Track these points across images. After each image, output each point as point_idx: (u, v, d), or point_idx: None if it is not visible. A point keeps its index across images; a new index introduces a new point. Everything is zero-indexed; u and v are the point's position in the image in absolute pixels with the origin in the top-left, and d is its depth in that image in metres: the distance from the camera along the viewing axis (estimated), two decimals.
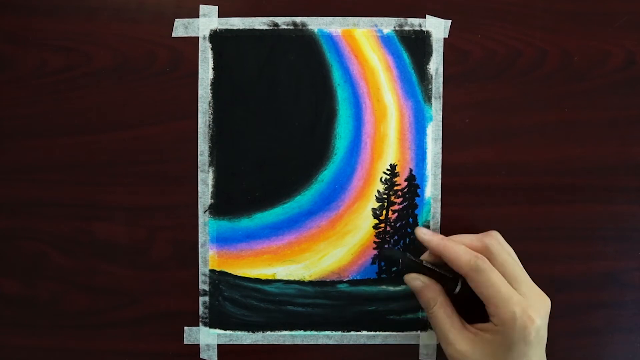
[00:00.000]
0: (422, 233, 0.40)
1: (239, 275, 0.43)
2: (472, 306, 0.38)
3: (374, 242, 0.43)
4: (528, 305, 0.35)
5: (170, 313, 0.43)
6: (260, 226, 0.43)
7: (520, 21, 0.42)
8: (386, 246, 0.42)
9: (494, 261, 0.37)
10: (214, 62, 0.42)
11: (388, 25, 0.42)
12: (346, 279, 0.43)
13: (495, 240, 0.38)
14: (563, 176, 0.43)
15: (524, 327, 0.34)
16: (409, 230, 0.43)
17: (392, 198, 0.43)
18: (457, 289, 0.38)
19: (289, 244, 0.43)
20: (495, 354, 0.35)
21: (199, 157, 0.42)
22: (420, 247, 0.42)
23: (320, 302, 0.43)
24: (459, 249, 0.37)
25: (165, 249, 0.43)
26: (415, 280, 0.39)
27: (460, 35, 0.42)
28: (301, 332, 0.43)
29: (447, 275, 0.39)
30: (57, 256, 0.43)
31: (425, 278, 0.39)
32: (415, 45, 0.42)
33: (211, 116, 0.42)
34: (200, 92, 0.42)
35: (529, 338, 0.34)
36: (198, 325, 0.43)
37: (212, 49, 0.42)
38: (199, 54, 0.42)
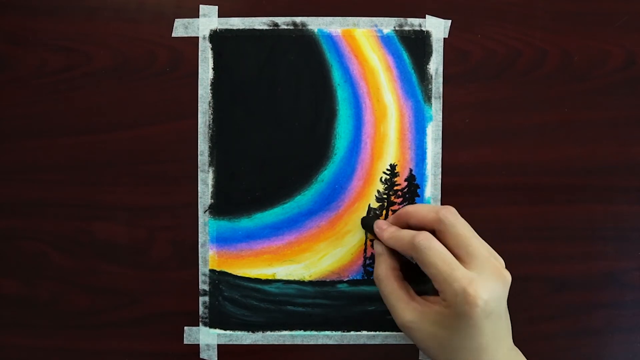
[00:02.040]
0: (377, 228, 0.40)
1: (239, 275, 0.43)
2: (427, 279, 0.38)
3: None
4: (472, 280, 0.34)
5: (170, 313, 0.43)
6: (260, 226, 0.43)
7: (520, 21, 0.42)
8: (370, 214, 0.42)
9: (446, 234, 0.36)
10: (214, 62, 0.42)
11: (388, 25, 0.42)
12: (346, 279, 0.43)
13: (449, 212, 0.37)
14: (563, 176, 0.43)
15: (466, 303, 0.34)
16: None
17: (392, 198, 0.43)
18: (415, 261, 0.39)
19: (289, 244, 0.43)
20: (443, 322, 0.35)
21: (199, 157, 0.42)
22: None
23: (320, 302, 0.43)
24: (402, 233, 0.38)
25: (165, 249, 0.43)
26: (378, 246, 0.40)
27: (460, 35, 0.42)
28: (301, 332, 0.43)
29: None
30: (57, 256, 0.43)
31: (386, 249, 0.39)
32: (415, 45, 0.42)
33: (211, 116, 0.42)
34: (200, 92, 0.42)
35: (473, 314, 0.34)
36: (198, 325, 0.43)
37: (212, 49, 0.42)
38: (199, 54, 0.42)
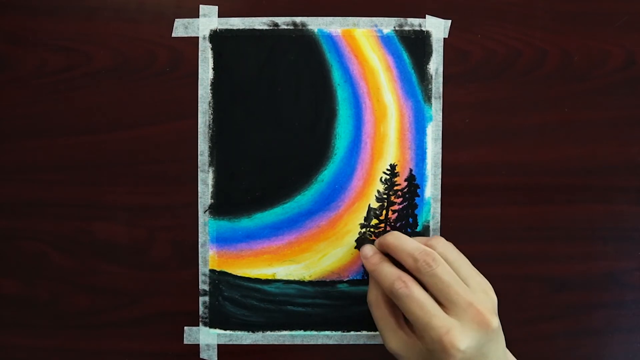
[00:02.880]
0: (362, 253, 0.40)
1: (239, 275, 0.43)
2: None
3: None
4: (449, 329, 0.34)
5: (170, 313, 0.43)
6: (260, 226, 0.43)
7: (520, 21, 0.42)
8: (365, 235, 0.42)
9: (426, 280, 0.36)
10: (214, 62, 0.42)
11: (388, 25, 0.42)
12: (346, 279, 0.43)
13: (427, 259, 0.36)
14: (563, 176, 0.43)
15: (442, 351, 0.34)
16: (409, 230, 0.43)
17: (392, 198, 0.43)
18: None
19: (289, 244, 0.43)
20: (427, 358, 0.35)
21: (199, 157, 0.42)
22: None
23: (320, 302, 0.43)
24: (384, 271, 0.37)
25: (165, 249, 0.43)
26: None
27: (460, 35, 0.42)
28: (301, 332, 0.43)
29: None
30: (57, 256, 0.43)
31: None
32: (415, 45, 0.42)
33: (211, 116, 0.42)
34: (200, 92, 0.42)
35: (451, 359, 0.34)
36: (198, 325, 0.43)
37: (212, 49, 0.42)
38: (199, 54, 0.42)
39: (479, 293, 0.36)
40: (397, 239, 0.38)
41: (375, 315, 0.39)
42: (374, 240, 0.41)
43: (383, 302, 0.38)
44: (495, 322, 0.35)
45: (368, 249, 0.40)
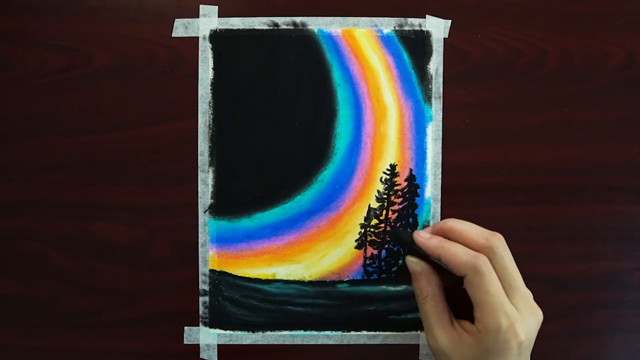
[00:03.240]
0: (419, 237, 0.38)
1: (239, 275, 0.43)
2: (466, 303, 0.37)
3: (375, 241, 0.43)
4: (517, 318, 0.34)
5: (170, 313, 0.43)
6: (260, 226, 0.43)
7: (520, 21, 0.42)
8: (399, 227, 0.42)
9: (495, 264, 0.36)
10: (214, 62, 0.42)
11: (388, 25, 0.42)
12: (346, 279, 0.43)
13: (500, 242, 0.36)
14: (563, 176, 0.43)
15: (506, 341, 0.34)
16: (409, 230, 0.43)
17: (392, 198, 0.43)
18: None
19: (289, 244, 0.43)
20: (474, 355, 0.35)
21: (199, 157, 0.42)
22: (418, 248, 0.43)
23: (320, 302, 0.43)
24: (458, 249, 0.36)
25: (165, 249, 0.43)
26: (416, 265, 0.39)
27: (460, 35, 0.42)
28: (301, 332, 0.43)
29: (448, 270, 0.39)
30: (57, 256, 0.43)
31: (426, 265, 0.39)
32: (415, 45, 0.42)
33: (211, 116, 0.42)
34: (200, 92, 0.42)
35: (509, 352, 0.34)
36: (198, 325, 0.43)
37: (212, 49, 0.42)
38: (199, 54, 0.42)
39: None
40: (460, 222, 0.38)
41: (429, 310, 0.37)
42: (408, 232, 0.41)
43: (439, 295, 0.37)
44: (542, 314, 0.36)
45: (424, 232, 0.39)
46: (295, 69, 0.42)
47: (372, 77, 0.42)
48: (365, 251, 0.43)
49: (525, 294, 0.36)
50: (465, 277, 0.36)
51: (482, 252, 0.36)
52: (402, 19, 0.42)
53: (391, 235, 0.42)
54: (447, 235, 0.38)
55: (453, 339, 0.36)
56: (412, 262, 0.39)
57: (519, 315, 0.34)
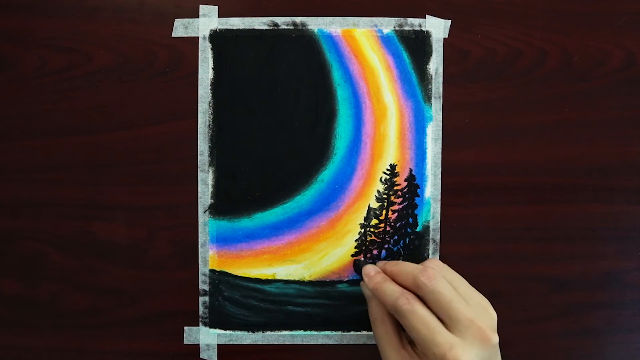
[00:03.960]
0: (364, 273, 0.40)
1: (239, 275, 0.43)
2: None
3: (375, 241, 0.43)
4: (453, 346, 0.34)
5: (170, 313, 0.43)
6: (260, 226, 0.43)
7: (520, 21, 0.42)
8: (361, 258, 0.42)
9: (426, 300, 0.36)
10: (214, 62, 0.42)
11: (388, 25, 0.42)
12: (346, 279, 0.43)
13: (426, 276, 0.36)
14: (563, 176, 0.43)
15: None
16: (409, 230, 0.43)
17: (392, 198, 0.43)
18: None
19: (289, 244, 0.43)
20: None
21: (199, 157, 0.42)
22: (417, 250, 0.43)
23: (320, 302, 0.43)
24: (387, 290, 0.37)
25: (165, 249, 0.43)
26: (367, 290, 0.40)
27: (460, 35, 0.42)
28: (301, 332, 0.43)
29: None
30: (57, 256, 0.43)
31: None
32: (415, 45, 0.42)
33: (211, 116, 0.42)
34: (200, 92, 0.42)
35: None
36: (198, 325, 0.43)
37: (212, 49, 0.42)
38: (199, 54, 0.42)
39: (479, 310, 0.36)
40: (396, 264, 0.39)
41: (379, 333, 0.38)
42: (372, 262, 0.42)
43: (387, 317, 0.38)
44: (495, 338, 0.35)
45: (370, 268, 0.40)
46: (295, 69, 0.42)
47: (372, 77, 0.42)
48: (365, 251, 0.43)
49: (467, 321, 0.35)
50: (396, 317, 0.37)
51: (413, 291, 0.37)
52: (402, 19, 0.42)
53: (353, 265, 0.43)
54: (389, 276, 0.39)
55: None
56: (364, 287, 0.40)
57: (457, 341, 0.34)
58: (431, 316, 0.35)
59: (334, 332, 0.43)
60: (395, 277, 0.38)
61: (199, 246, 0.43)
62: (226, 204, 0.43)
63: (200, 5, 0.42)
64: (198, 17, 0.42)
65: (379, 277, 0.39)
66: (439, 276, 0.36)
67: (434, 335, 0.34)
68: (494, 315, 0.37)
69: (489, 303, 0.37)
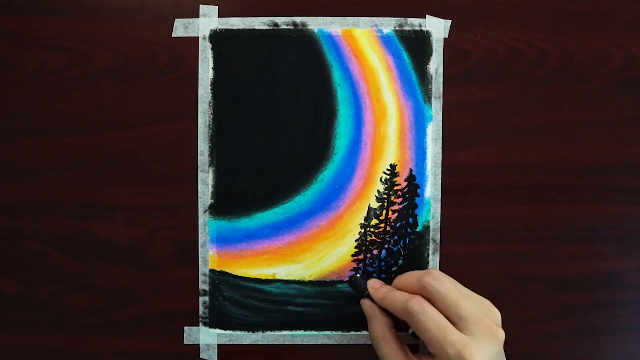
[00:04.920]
0: (369, 287, 0.40)
1: (239, 275, 0.43)
2: None
3: (375, 241, 0.43)
4: (466, 343, 0.34)
5: (170, 313, 0.43)
6: (260, 226, 0.43)
7: (520, 21, 0.42)
8: (357, 274, 0.42)
9: (432, 300, 0.36)
10: (214, 62, 0.42)
11: (388, 25, 0.42)
12: (346, 279, 0.43)
13: (431, 277, 0.37)
14: (563, 176, 0.43)
15: None
16: (409, 230, 0.43)
17: (392, 198, 0.43)
18: (410, 330, 0.39)
19: (289, 244, 0.43)
20: None
21: (199, 157, 0.42)
22: (417, 250, 0.43)
23: (320, 302, 0.43)
24: (395, 296, 0.37)
25: (165, 249, 0.43)
26: (368, 307, 0.40)
27: (460, 35, 0.42)
28: (301, 332, 0.43)
29: None
30: (57, 256, 0.43)
31: (377, 308, 0.39)
32: (415, 45, 0.42)
33: (211, 116, 0.42)
34: (200, 92, 0.42)
35: None
36: (198, 325, 0.43)
37: (212, 49, 0.42)
38: (199, 54, 0.42)
39: (483, 308, 0.37)
40: (398, 277, 0.39)
41: (384, 351, 0.38)
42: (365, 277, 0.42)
43: (391, 335, 0.38)
44: (502, 333, 0.36)
45: (375, 282, 0.40)
46: (295, 69, 0.42)
47: (372, 77, 0.42)
48: (365, 251, 0.43)
49: (475, 318, 0.35)
50: (406, 320, 0.37)
51: (418, 293, 0.37)
52: (402, 19, 0.42)
53: (349, 282, 0.43)
54: (395, 286, 0.39)
55: None
56: (365, 304, 0.40)
57: (469, 339, 0.34)
58: (441, 316, 0.36)
59: (334, 332, 0.43)
60: (400, 286, 0.39)
61: (199, 246, 0.43)
62: (226, 204, 0.43)
63: (200, 5, 0.42)
64: (198, 17, 0.42)
65: (385, 288, 0.39)
66: (443, 277, 0.37)
67: (447, 335, 0.35)
68: (497, 313, 0.37)
69: (492, 304, 0.38)
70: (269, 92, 0.42)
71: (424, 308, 0.36)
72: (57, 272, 0.43)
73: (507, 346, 0.37)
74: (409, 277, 0.38)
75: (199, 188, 0.43)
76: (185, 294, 0.43)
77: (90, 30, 0.42)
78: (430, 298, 0.36)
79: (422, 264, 0.43)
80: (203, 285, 0.43)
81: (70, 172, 0.42)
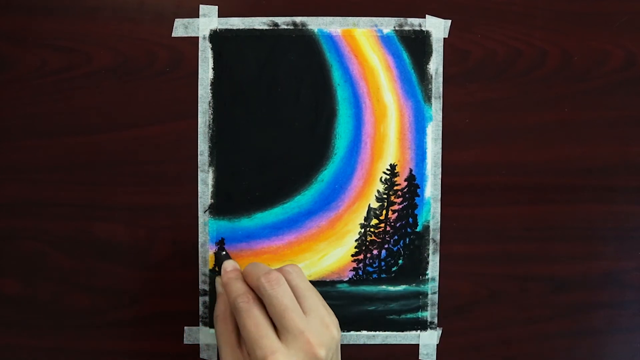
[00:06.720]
0: (222, 267, 0.39)
1: None
2: None
3: (375, 241, 0.43)
4: (274, 351, 0.34)
5: (170, 313, 0.43)
6: (260, 226, 0.43)
7: (520, 21, 0.42)
8: (223, 252, 0.42)
9: (265, 302, 0.35)
10: (214, 62, 0.42)
11: (388, 25, 0.42)
12: (346, 279, 0.43)
13: (269, 279, 0.35)
14: (563, 176, 0.43)
15: None
16: (408, 230, 0.43)
17: (392, 198, 0.43)
18: None
19: (289, 244, 0.43)
20: None
21: (199, 157, 0.42)
22: (417, 250, 0.43)
23: None
24: (233, 286, 0.37)
25: (165, 249, 0.43)
26: (219, 285, 0.39)
27: (460, 35, 0.42)
28: None
29: None
30: (57, 256, 0.43)
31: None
32: (415, 45, 0.42)
33: (211, 116, 0.42)
34: (200, 92, 0.42)
35: None
36: (198, 325, 0.43)
37: (212, 49, 0.42)
38: (199, 54, 0.42)
39: (316, 325, 0.35)
40: (253, 264, 0.38)
41: (219, 330, 0.37)
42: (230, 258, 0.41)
43: (230, 318, 0.37)
44: (322, 355, 0.34)
45: (228, 264, 0.39)
46: (295, 69, 0.42)
47: (372, 77, 0.42)
48: (365, 251, 0.43)
49: (297, 332, 0.34)
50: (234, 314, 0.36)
51: (256, 288, 0.36)
52: (402, 19, 0.42)
53: (215, 257, 0.43)
54: (243, 274, 0.39)
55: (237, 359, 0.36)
56: (217, 283, 0.39)
57: (280, 348, 0.34)
58: (265, 320, 0.35)
59: None
60: (246, 276, 0.38)
61: (199, 246, 0.43)
62: (226, 204, 0.43)
63: (200, 5, 0.42)
64: (198, 17, 0.42)
65: (232, 274, 0.38)
66: (282, 282, 0.36)
67: (261, 338, 0.34)
68: (334, 335, 0.36)
69: (337, 324, 0.36)
70: (269, 92, 0.42)
71: (250, 307, 0.35)
72: (57, 272, 0.43)
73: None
74: (255, 270, 0.37)
75: (199, 188, 0.43)
76: (185, 294, 0.43)
77: (90, 30, 0.42)
78: (263, 299, 0.36)
79: (422, 264, 0.43)
80: (203, 285, 0.43)
81: (70, 172, 0.42)
